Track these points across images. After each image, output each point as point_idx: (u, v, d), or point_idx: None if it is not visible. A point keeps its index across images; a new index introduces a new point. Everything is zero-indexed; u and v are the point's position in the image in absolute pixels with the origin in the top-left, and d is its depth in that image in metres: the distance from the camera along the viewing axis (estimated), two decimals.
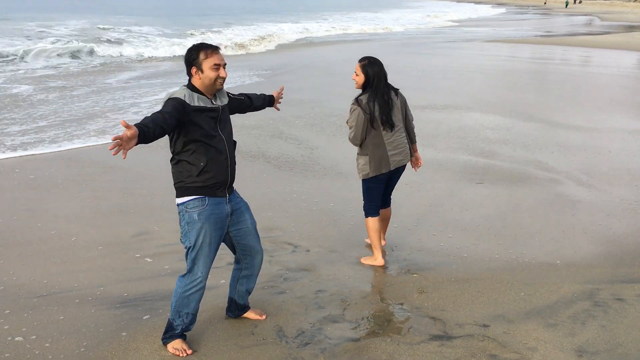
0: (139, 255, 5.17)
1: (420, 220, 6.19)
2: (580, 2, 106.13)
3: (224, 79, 3.56)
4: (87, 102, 12.26)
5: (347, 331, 4.02)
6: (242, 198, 3.88)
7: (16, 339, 3.84)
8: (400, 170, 5.03)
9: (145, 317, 4.15)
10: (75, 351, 3.72)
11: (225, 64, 3.58)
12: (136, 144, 2.99)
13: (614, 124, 11.08)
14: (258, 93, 4.37)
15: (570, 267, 5.15)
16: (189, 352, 3.70)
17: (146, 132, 3.05)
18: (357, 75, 4.79)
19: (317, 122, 10.73)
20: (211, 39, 26.47)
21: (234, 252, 3.94)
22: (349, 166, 8.03)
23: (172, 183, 3.61)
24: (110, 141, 3.37)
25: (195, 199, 3.54)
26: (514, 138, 9.88)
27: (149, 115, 3.24)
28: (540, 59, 23.40)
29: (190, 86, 3.54)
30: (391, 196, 5.27)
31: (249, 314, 4.19)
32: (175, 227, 5.71)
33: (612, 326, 4.11)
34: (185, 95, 3.45)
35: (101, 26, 31.12)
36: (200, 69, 3.49)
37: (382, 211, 5.19)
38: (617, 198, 6.99)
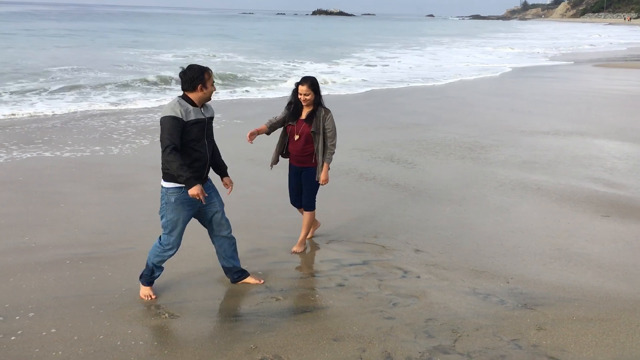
0: (251, 271, 5.31)
1: (539, 253, 5.87)
2: None
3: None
4: None
5: None
6: (213, 185, 4.77)
7: (140, 343, 4.09)
8: None
9: (257, 332, 4.26)
10: None
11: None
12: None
13: None
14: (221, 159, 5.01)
15: None
16: (153, 297, 4.73)
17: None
18: (306, 95, 5.41)
19: (430, 147, 10.58)
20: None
21: (207, 229, 4.90)
22: (462, 192, 7.82)
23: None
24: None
25: (175, 187, 4.43)
26: None
27: (176, 155, 4.29)
28: None
29: (186, 99, 4.43)
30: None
31: (249, 280, 5.07)
32: (287, 246, 5.86)
33: None
34: (181, 113, 4.32)
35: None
36: (205, 85, 4.41)
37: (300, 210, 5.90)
38: None
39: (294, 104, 5.55)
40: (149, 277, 4.77)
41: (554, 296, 4.92)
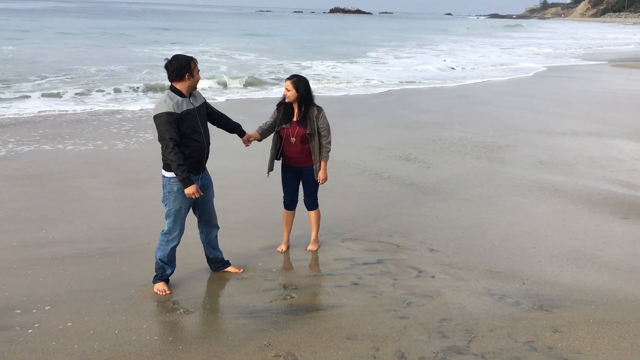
0: (266, 268, 5.34)
1: (555, 254, 5.81)
2: None
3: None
4: None
5: None
6: (209, 175, 4.93)
7: (154, 338, 4.12)
8: None
9: (270, 330, 4.27)
10: (205, 356, 3.91)
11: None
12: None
13: None
14: (233, 120, 5.21)
15: None
16: (168, 292, 4.77)
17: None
18: (288, 90, 5.29)
19: (446, 146, 10.52)
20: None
21: (198, 218, 5.03)
22: (477, 192, 7.77)
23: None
24: None
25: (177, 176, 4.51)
26: None
27: (177, 154, 4.40)
28: None
29: (175, 90, 4.50)
30: None
31: (230, 269, 5.22)
32: (302, 244, 5.87)
33: None
34: (172, 106, 4.40)
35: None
36: (191, 74, 4.51)
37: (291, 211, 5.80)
38: None
39: (285, 106, 5.39)
40: (160, 276, 4.86)
41: (570, 298, 4.87)
